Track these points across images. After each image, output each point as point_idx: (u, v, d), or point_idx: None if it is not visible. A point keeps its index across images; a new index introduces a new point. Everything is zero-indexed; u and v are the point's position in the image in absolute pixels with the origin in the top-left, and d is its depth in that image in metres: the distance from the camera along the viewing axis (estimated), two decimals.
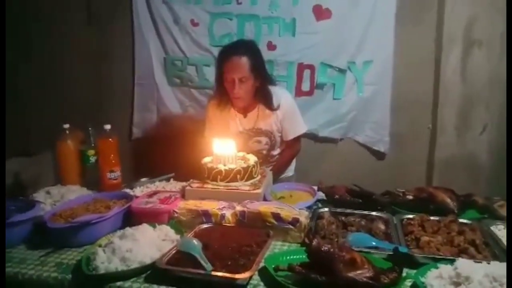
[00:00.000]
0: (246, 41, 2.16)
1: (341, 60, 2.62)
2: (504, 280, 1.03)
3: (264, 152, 2.22)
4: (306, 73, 2.65)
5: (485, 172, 2.47)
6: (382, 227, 1.45)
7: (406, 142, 2.62)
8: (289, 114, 2.15)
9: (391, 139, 2.64)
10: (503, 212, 1.59)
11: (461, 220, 1.48)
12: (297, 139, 2.25)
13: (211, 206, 1.51)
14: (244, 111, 2.15)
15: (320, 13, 2.59)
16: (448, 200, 1.61)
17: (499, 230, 1.41)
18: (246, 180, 1.70)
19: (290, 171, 2.34)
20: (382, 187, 1.79)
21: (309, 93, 2.65)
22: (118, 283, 1.16)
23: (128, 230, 1.35)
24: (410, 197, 1.68)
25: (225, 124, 2.17)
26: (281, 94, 2.16)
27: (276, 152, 2.25)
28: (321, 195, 1.77)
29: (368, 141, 2.70)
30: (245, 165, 1.71)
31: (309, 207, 1.60)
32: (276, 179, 2.06)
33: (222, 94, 2.10)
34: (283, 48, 2.49)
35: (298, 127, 2.21)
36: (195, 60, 2.77)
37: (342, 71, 2.63)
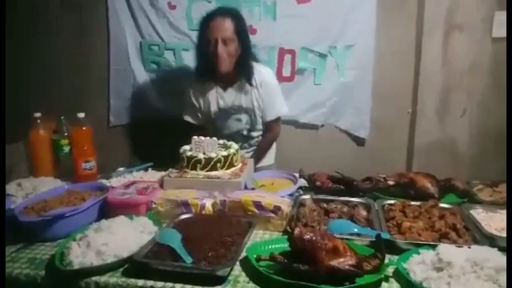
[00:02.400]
0: (229, 7, 2.12)
1: (322, 45, 2.58)
2: (485, 264, 1.04)
3: (245, 132, 2.19)
4: (287, 58, 2.60)
5: (464, 157, 2.50)
6: (364, 213, 1.45)
7: (387, 127, 2.62)
8: (271, 92, 2.14)
9: (372, 124, 2.63)
10: (482, 196, 1.61)
11: (441, 205, 1.49)
12: (277, 121, 2.24)
13: (191, 195, 1.47)
14: (224, 85, 2.11)
15: None
16: (429, 185, 1.62)
17: (479, 214, 1.42)
18: (227, 169, 1.67)
19: (270, 159, 2.32)
20: (363, 173, 1.78)
21: (290, 78, 2.61)
22: (94, 278, 1.12)
23: (104, 222, 1.31)
24: (391, 182, 1.68)
25: (205, 102, 2.15)
26: (264, 72, 2.14)
27: (256, 133, 2.22)
28: (302, 182, 1.75)
29: (349, 127, 2.69)
30: (225, 153, 1.67)
31: (290, 195, 1.58)
32: (256, 167, 2.04)
33: (203, 69, 2.08)
34: (264, 33, 2.44)
35: (279, 107, 2.19)
36: (173, 44, 2.69)
37: (323, 56, 2.59)
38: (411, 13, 2.50)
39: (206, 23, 2.00)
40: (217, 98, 2.14)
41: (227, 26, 1.97)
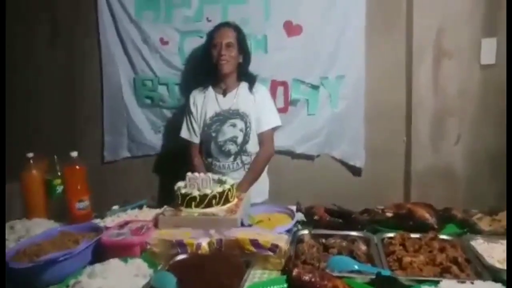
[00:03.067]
0: (232, 22, 2.38)
1: (314, 76, 2.60)
2: None
3: (239, 140, 2.26)
4: (280, 90, 2.62)
5: (462, 183, 2.49)
6: (363, 247, 1.42)
7: (382, 155, 2.62)
8: (266, 103, 2.32)
9: (367, 153, 2.63)
10: (482, 225, 1.59)
11: (441, 237, 1.46)
12: (270, 135, 2.32)
13: (186, 235, 1.44)
14: (225, 91, 2.31)
15: (291, 29, 2.58)
16: (427, 216, 1.60)
17: (480, 245, 1.40)
18: (223, 205, 1.65)
19: (263, 195, 2.33)
20: (360, 203, 1.77)
21: (284, 110, 2.62)
22: None
23: (98, 266, 1.28)
24: (390, 214, 1.66)
25: (203, 109, 2.31)
26: (261, 86, 2.38)
27: (250, 148, 2.28)
28: (300, 216, 1.72)
29: (344, 156, 2.69)
30: (220, 189, 1.65)
31: (288, 231, 1.55)
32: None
33: (205, 76, 2.33)
34: (256, 65, 2.46)
35: (272, 118, 2.33)
36: (166, 79, 2.71)
37: (315, 87, 2.62)
38: (399, 41, 2.54)
39: (213, 33, 2.29)
40: (216, 103, 2.28)
41: (229, 33, 2.27)
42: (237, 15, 2.52)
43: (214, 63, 2.25)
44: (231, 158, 2.28)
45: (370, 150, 2.62)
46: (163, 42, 2.67)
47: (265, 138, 2.30)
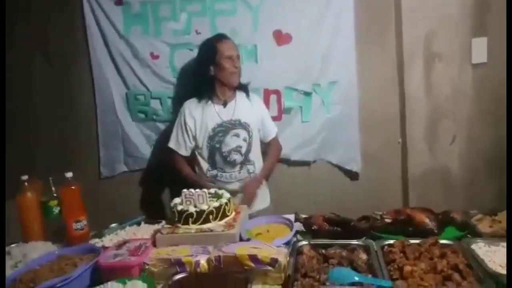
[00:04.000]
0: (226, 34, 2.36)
1: (306, 83, 2.60)
2: None
3: (243, 150, 2.28)
4: (273, 98, 2.62)
5: (458, 183, 2.48)
6: (364, 257, 1.41)
7: (378, 159, 2.61)
8: (264, 111, 2.41)
9: (363, 157, 2.63)
10: (482, 228, 1.58)
11: (441, 242, 1.45)
12: (276, 139, 2.45)
13: (184, 253, 1.43)
14: (224, 102, 2.30)
15: (281, 38, 2.58)
16: (427, 221, 1.59)
17: (480, 249, 1.39)
18: (220, 220, 1.64)
19: (265, 202, 2.32)
20: (359, 208, 1.77)
21: (278, 118, 2.62)
22: None
23: None
24: (389, 220, 1.65)
25: (203, 122, 2.29)
26: (255, 96, 2.43)
27: (252, 157, 2.31)
28: (299, 225, 1.72)
29: (341, 161, 2.68)
30: (217, 204, 1.64)
31: (287, 242, 1.54)
32: (253, 211, 2.04)
33: (202, 89, 2.30)
34: (247, 76, 2.46)
35: (273, 124, 2.43)
36: (159, 93, 2.70)
37: (307, 93, 2.62)
38: (390, 44, 2.55)
39: (216, 45, 2.24)
40: (217, 114, 2.27)
41: (233, 45, 2.29)
42: (226, 27, 2.52)
43: (220, 75, 2.25)
44: (237, 168, 2.29)
45: (366, 155, 2.62)
46: (154, 56, 2.66)
47: (273, 142, 2.43)
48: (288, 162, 2.68)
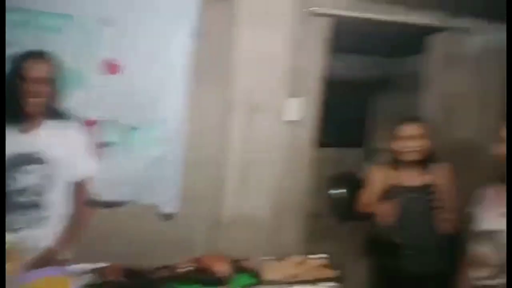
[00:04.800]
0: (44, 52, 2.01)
1: (132, 117, 2.52)
2: None
3: (36, 189, 1.90)
4: (92, 130, 2.44)
5: (265, 229, 2.67)
6: None
7: (197, 201, 2.65)
8: (82, 148, 2.06)
9: (183, 198, 2.64)
10: (271, 275, 1.70)
11: None
12: (85, 187, 2.08)
13: None
14: (26, 129, 1.91)
15: (110, 67, 2.47)
16: (219, 269, 1.65)
17: None
18: None
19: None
20: (171, 251, 1.74)
21: (96, 152, 2.43)
22: None
23: None
24: (188, 268, 1.67)
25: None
26: (71, 126, 2.06)
27: (52, 200, 1.94)
28: (88, 278, 1.58)
29: (158, 202, 2.63)
30: None
31: None
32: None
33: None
34: (67, 102, 2.26)
35: (89, 163, 2.10)
36: None
37: (132, 128, 2.53)
38: (219, 91, 2.67)
39: (20, 62, 1.88)
40: (16, 143, 1.86)
41: (47, 67, 1.91)
42: (50, 46, 2.29)
43: (22, 97, 1.85)
44: (28, 212, 1.90)
45: (186, 196, 2.63)
46: None
47: (80, 190, 2.05)
48: (100, 203, 2.46)
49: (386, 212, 2.20)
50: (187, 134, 2.62)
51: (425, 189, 2.24)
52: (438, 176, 2.27)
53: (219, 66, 2.67)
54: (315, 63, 2.75)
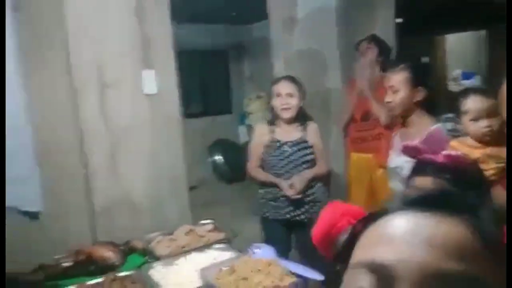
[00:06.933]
0: None
1: None
2: None
3: None
4: None
5: (144, 208, 2.55)
6: None
7: (61, 194, 2.39)
8: None
9: (44, 193, 2.35)
10: (160, 250, 1.66)
11: (122, 274, 1.43)
12: None
13: None
14: None
15: None
16: (107, 255, 1.55)
17: (158, 272, 1.45)
18: None
19: None
20: (44, 252, 1.54)
21: None
22: None
23: None
24: (68, 263, 1.51)
25: None
26: None
27: None
28: None
29: (17, 201, 2.29)
30: None
31: None
32: None
33: None
34: None
35: None
36: None
37: None
38: (60, 75, 2.37)
39: None
40: None
41: None
42: None
43: None
44: None
45: (48, 190, 2.35)
46: None
47: None
48: None
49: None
50: (36, 128, 2.31)
51: (300, 143, 2.57)
52: (310, 132, 2.62)
53: (52, 46, 2.37)
54: (164, 33, 2.66)
